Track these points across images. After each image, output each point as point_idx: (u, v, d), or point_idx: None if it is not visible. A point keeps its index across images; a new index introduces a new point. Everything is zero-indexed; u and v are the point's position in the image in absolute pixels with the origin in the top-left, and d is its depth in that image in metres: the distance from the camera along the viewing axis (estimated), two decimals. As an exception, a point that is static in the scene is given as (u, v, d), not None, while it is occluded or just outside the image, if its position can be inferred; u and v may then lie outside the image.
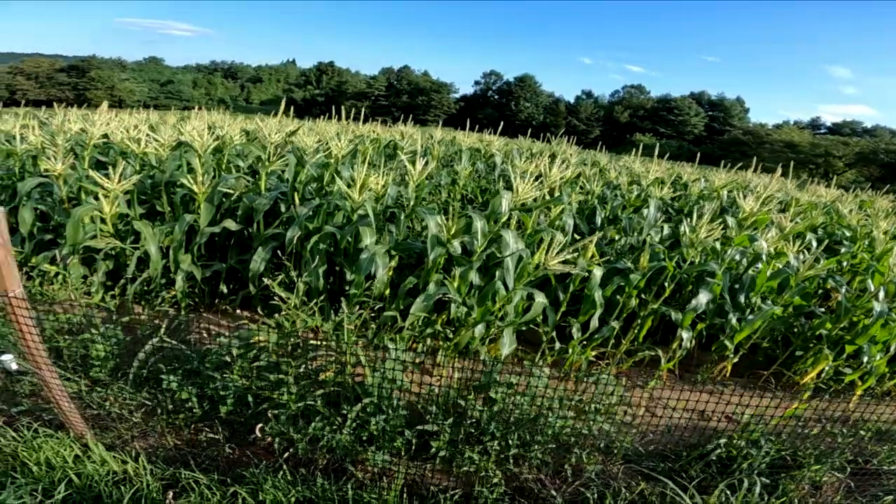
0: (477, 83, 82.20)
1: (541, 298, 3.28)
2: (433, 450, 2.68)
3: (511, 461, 2.71)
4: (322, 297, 3.61)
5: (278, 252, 3.85)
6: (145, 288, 3.94)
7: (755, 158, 9.22)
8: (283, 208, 4.28)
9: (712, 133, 69.28)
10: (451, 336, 3.73)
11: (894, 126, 68.93)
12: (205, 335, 3.61)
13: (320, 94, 78.51)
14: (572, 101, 78.62)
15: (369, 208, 3.63)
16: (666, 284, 3.83)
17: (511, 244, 3.53)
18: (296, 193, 4.08)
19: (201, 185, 3.94)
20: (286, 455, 2.69)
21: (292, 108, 9.47)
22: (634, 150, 9.03)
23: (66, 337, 3.16)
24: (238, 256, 4.16)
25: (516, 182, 3.60)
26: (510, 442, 2.73)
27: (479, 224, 3.69)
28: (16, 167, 4.57)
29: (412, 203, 3.98)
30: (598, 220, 5.32)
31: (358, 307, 3.54)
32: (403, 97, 75.75)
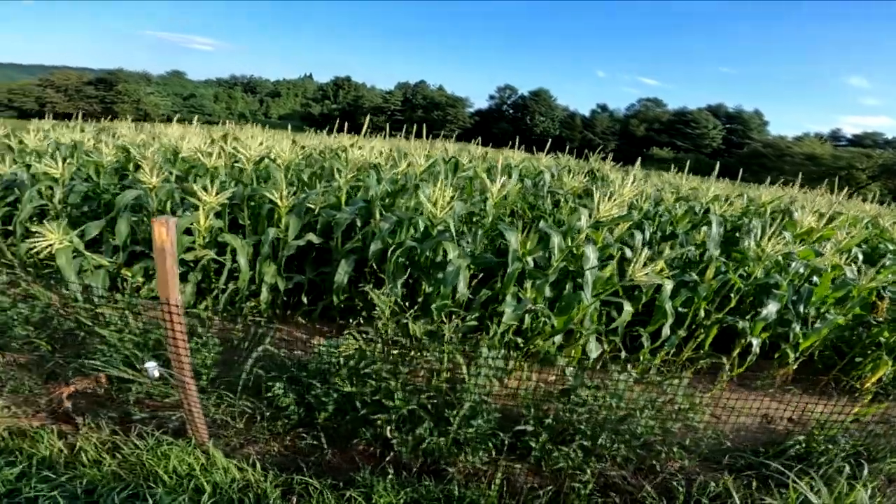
0: (492, 97, 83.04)
1: (628, 307, 3.46)
2: (531, 450, 2.86)
3: (600, 459, 2.86)
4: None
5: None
6: (233, 298, 4.18)
7: (776, 172, 9.30)
8: (358, 222, 4.52)
9: (730, 146, 68.86)
10: (521, 344, 3.92)
11: (917, 138, 67.87)
12: (298, 344, 3.84)
13: (337, 108, 79.84)
14: (587, 114, 78.97)
15: (451, 223, 3.85)
16: (731, 296, 3.97)
17: (592, 259, 3.71)
18: (374, 208, 4.32)
19: (284, 199, 4.19)
20: (388, 458, 2.88)
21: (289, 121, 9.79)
22: (654, 164, 9.25)
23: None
24: (318, 269, 4.38)
25: (597, 198, 3.77)
26: (599, 441, 2.89)
27: (556, 240, 3.89)
28: (103, 179, 4.88)
29: (490, 219, 4.18)
30: (647, 235, 5.49)
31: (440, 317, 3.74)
32: (419, 112, 76.67)
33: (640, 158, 8.81)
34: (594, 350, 3.54)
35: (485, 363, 3.02)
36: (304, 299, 4.40)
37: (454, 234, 3.94)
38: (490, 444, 2.90)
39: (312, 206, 4.32)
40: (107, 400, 3.18)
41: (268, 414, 3.13)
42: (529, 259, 3.87)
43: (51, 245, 3.42)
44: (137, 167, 4.91)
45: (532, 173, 7.49)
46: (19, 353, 3.46)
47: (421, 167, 4.51)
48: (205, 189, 3.85)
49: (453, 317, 3.60)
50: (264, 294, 4.18)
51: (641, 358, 3.86)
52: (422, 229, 4.16)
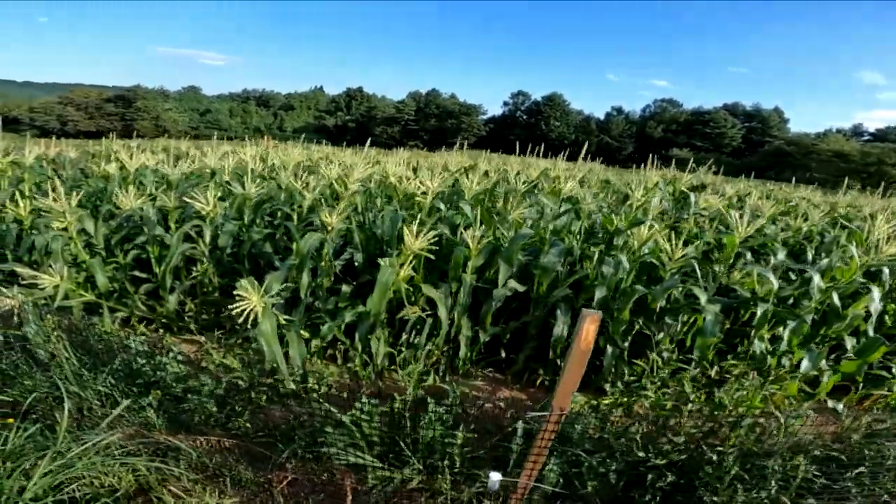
0: (505, 104, 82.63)
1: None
2: None
3: None
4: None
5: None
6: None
7: (802, 170, 8.72)
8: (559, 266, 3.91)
9: (751, 145, 67.75)
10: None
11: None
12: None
13: (351, 120, 79.89)
14: (602, 118, 78.20)
15: (696, 265, 3.26)
16: None
17: (877, 300, 3.10)
18: (577, 247, 3.74)
19: (475, 241, 3.61)
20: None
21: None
22: (674, 163, 8.87)
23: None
24: (518, 318, 3.79)
25: (867, 232, 3.17)
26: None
27: (816, 279, 3.29)
28: (247, 216, 4.31)
29: (730, 259, 3.59)
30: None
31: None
32: (432, 121, 76.44)
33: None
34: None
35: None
36: (503, 352, 3.81)
37: (699, 277, 3.35)
38: None
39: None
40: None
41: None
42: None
43: (251, 307, 2.87)
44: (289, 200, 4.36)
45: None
46: (223, 436, 2.90)
47: (638, 200, 3.91)
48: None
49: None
50: (463, 349, 3.61)
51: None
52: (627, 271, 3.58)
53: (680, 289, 3.64)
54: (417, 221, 3.27)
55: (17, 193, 4.91)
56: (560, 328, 3.47)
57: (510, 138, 76.31)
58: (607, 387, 3.44)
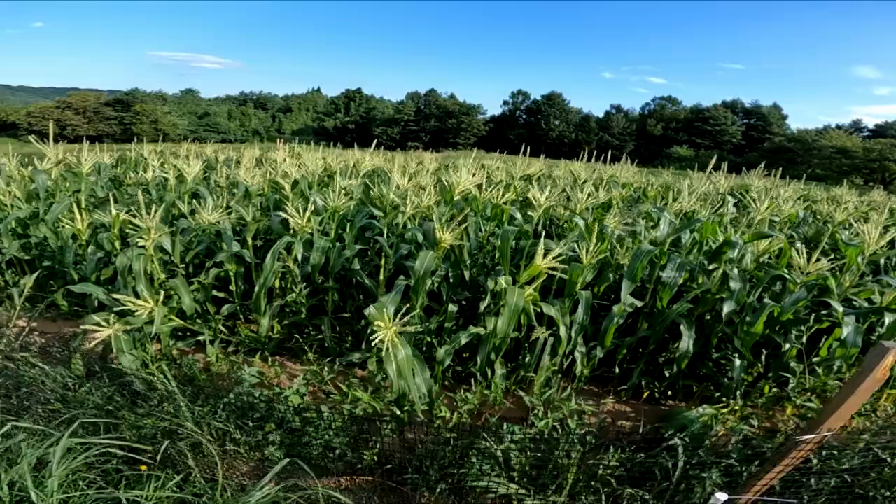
0: (505, 103, 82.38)
1: None
2: None
3: None
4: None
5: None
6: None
7: (805, 166, 8.57)
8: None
9: (751, 142, 67.86)
10: None
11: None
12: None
13: (350, 121, 79.45)
14: (601, 116, 78.07)
15: (831, 277, 3.08)
16: None
17: None
18: (694, 260, 3.53)
19: (589, 256, 3.40)
20: None
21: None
22: (674, 163, 8.69)
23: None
24: (634, 334, 3.59)
25: None
26: None
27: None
28: (333, 231, 4.02)
29: (860, 270, 3.39)
30: None
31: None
32: (432, 121, 76.12)
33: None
34: None
35: None
36: (617, 369, 3.61)
37: (834, 290, 3.16)
38: None
39: (624, 262, 3.53)
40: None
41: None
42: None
43: (383, 336, 2.65)
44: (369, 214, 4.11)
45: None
46: (347, 471, 2.67)
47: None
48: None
49: None
50: (579, 367, 3.40)
51: None
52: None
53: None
54: (542, 239, 3.04)
55: (73, 206, 4.66)
56: (686, 343, 3.29)
57: (510, 138, 76.29)
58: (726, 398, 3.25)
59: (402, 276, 3.23)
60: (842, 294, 3.68)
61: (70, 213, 4.77)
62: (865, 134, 66.77)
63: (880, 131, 66.11)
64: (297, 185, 4.31)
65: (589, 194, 3.88)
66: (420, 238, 3.65)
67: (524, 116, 79.79)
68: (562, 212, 4.86)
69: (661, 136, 71.42)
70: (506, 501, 2.60)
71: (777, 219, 5.63)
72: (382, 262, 3.93)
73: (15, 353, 3.68)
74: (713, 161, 5.76)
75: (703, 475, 2.49)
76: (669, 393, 3.75)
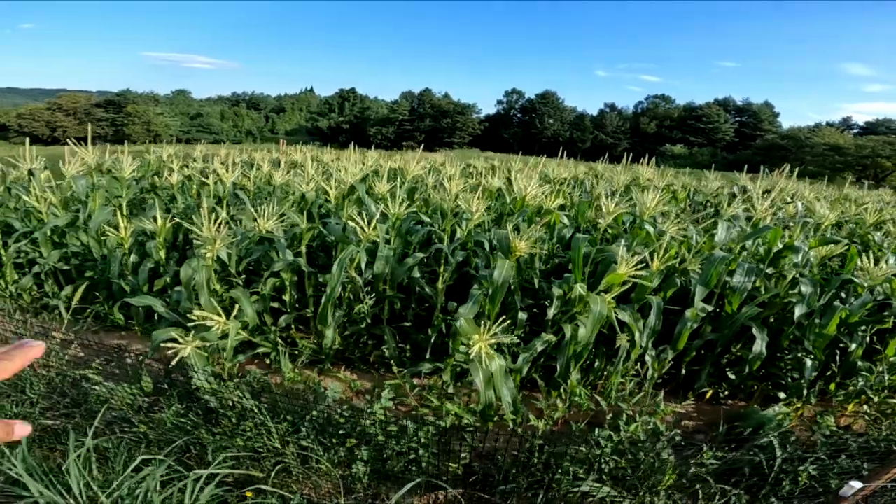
0: (500, 102, 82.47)
1: None
2: None
3: None
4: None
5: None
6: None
7: (798, 163, 8.76)
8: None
9: (744, 139, 68.49)
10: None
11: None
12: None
13: (345, 121, 79.08)
14: (595, 114, 78.35)
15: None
16: None
17: None
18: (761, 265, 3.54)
19: (657, 262, 3.39)
20: None
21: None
22: (668, 160, 8.91)
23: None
24: (699, 337, 3.59)
25: None
26: None
27: None
28: (394, 239, 3.94)
29: None
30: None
31: None
32: (427, 121, 75.94)
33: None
34: None
35: None
36: (683, 370, 3.62)
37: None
38: None
39: (692, 268, 3.53)
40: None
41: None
42: None
43: (477, 349, 2.62)
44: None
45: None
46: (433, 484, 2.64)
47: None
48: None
49: None
50: (651, 371, 3.40)
51: None
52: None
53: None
54: (622, 246, 3.03)
55: (117, 213, 4.57)
56: (759, 345, 3.32)
57: (505, 137, 76.10)
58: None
59: (474, 286, 3.20)
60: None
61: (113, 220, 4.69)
62: (856, 131, 67.66)
63: (871, 128, 67.01)
64: (353, 192, 4.25)
65: (653, 200, 3.87)
66: (486, 245, 3.63)
67: (519, 115, 79.88)
68: (592, 215, 4.86)
69: (655, 134, 71.80)
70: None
71: (810, 220, 5.67)
72: (441, 269, 3.89)
73: (63, 367, 3.61)
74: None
75: (801, 469, 2.51)
76: (726, 393, 3.78)
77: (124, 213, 4.72)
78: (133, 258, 4.54)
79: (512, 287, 3.27)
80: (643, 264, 3.08)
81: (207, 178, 5.26)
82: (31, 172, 4.83)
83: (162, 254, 4.39)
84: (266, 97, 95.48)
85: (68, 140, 5.72)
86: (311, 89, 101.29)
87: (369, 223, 3.46)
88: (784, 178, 8.66)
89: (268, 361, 3.93)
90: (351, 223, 3.49)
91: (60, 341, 4.09)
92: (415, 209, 4.12)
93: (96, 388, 3.16)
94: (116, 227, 4.34)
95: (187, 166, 7.95)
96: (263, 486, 2.40)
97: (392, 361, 3.63)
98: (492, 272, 3.00)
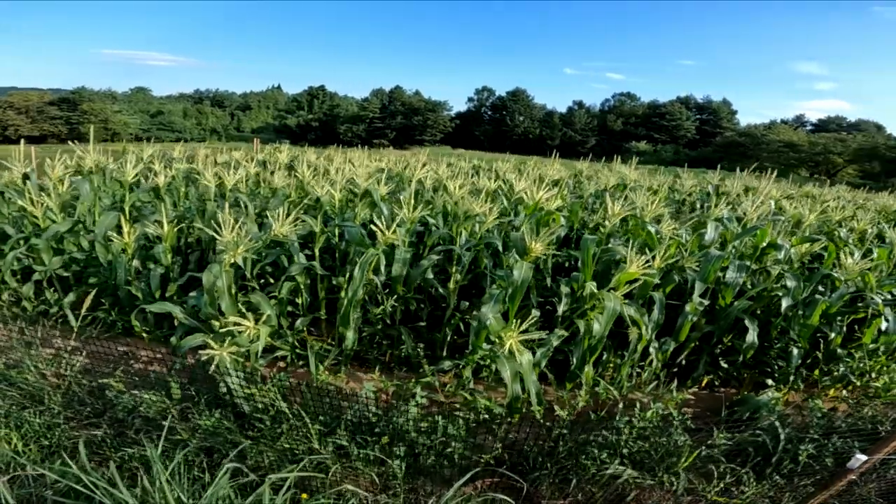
0: (470, 100, 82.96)
1: None
2: None
3: None
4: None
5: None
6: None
7: (754, 159, 9.51)
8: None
9: (705, 136, 71.09)
10: None
11: (875, 119, 72.22)
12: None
13: (314, 119, 77.90)
14: (564, 112, 79.81)
15: (872, 279, 3.47)
16: None
17: None
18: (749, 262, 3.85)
19: (659, 260, 3.65)
20: None
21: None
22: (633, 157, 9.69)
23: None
24: (696, 330, 3.88)
25: None
26: None
27: None
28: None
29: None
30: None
31: None
32: (398, 118, 75.67)
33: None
34: None
35: None
36: (682, 360, 3.90)
37: (874, 286, 3.57)
38: None
39: (689, 265, 3.80)
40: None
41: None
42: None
43: (507, 344, 2.80)
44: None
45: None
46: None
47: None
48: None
49: None
50: (654, 362, 3.66)
51: None
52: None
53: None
54: (631, 247, 3.27)
55: (120, 218, 4.51)
56: (752, 336, 3.63)
57: (476, 134, 76.23)
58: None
59: (493, 285, 3.37)
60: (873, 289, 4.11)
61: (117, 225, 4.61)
62: (809, 128, 71.34)
63: (823, 126, 70.79)
64: (367, 195, 4.35)
65: (652, 202, 4.14)
66: (499, 246, 3.81)
67: (489, 113, 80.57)
68: (583, 216, 5.12)
69: (622, 132, 73.73)
70: (619, 486, 2.81)
71: (781, 218, 6.10)
72: (453, 270, 4.05)
73: (78, 376, 3.59)
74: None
75: (801, 448, 2.80)
76: (720, 381, 4.10)
77: (127, 217, 4.66)
78: (135, 263, 4.51)
79: (529, 286, 3.46)
80: (647, 263, 3.32)
81: (207, 180, 5.24)
82: (26, 176, 4.71)
83: (169, 258, 4.39)
84: (231, 94, 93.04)
85: (21, 139, 5.56)
86: (279, 87, 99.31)
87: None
88: (754, 178, 9.17)
89: (283, 364, 4.01)
90: (371, 226, 3.60)
91: (70, 349, 4.04)
92: (427, 213, 4.27)
93: (124, 396, 3.18)
94: (119, 232, 4.29)
95: (168, 167, 7.81)
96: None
97: (415, 360, 3.77)
98: (511, 272, 3.18)
